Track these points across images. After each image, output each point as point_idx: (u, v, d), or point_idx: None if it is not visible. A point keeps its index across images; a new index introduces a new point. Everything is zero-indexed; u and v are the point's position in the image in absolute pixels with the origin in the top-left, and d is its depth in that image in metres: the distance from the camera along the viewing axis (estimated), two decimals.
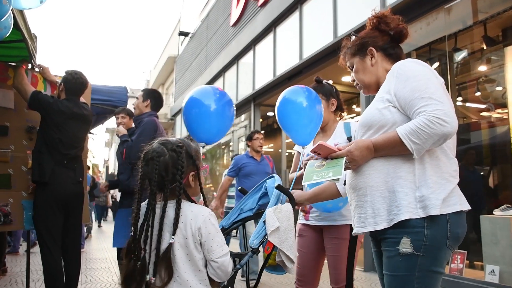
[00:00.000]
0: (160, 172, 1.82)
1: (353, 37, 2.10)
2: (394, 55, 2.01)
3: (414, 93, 1.71)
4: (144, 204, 1.89)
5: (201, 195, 2.07)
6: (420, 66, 1.81)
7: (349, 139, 2.86)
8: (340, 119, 3.10)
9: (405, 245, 1.69)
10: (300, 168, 2.67)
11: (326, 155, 1.87)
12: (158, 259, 1.78)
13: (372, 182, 1.80)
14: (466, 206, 1.77)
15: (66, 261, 3.76)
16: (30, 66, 4.21)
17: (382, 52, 2.00)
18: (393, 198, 1.74)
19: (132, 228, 1.86)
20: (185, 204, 1.85)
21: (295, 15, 8.74)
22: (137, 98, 4.46)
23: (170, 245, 1.78)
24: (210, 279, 1.88)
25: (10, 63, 4.18)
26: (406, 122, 1.74)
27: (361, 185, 1.85)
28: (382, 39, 2.01)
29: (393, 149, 1.74)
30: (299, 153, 3.15)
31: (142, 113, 4.39)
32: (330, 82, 3.11)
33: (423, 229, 1.68)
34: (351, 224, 2.79)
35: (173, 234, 1.79)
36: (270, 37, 9.92)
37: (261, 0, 9.98)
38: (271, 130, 11.97)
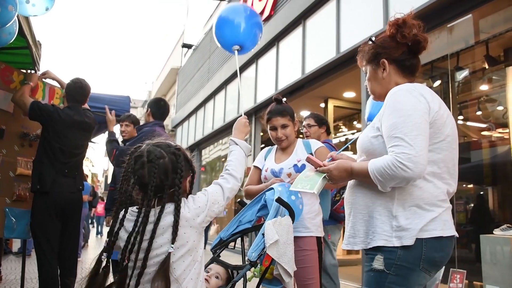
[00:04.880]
0: (160, 175, 1.71)
1: (370, 43, 2.01)
2: (409, 67, 1.95)
3: (391, 130, 1.71)
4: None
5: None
6: (409, 98, 1.75)
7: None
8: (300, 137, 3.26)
9: (378, 262, 1.73)
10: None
11: (316, 166, 1.98)
12: (144, 269, 1.67)
13: (357, 204, 1.85)
14: (449, 232, 1.73)
15: (62, 269, 3.72)
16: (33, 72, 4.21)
17: (395, 65, 1.93)
18: (371, 223, 1.78)
19: (110, 236, 1.73)
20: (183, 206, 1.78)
21: (299, 30, 8.79)
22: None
23: (169, 255, 1.68)
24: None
25: (20, 70, 4.18)
26: None
27: (349, 204, 1.91)
28: (398, 50, 1.93)
29: (366, 179, 1.77)
30: (257, 168, 3.21)
31: (147, 123, 4.24)
32: (285, 99, 3.21)
33: (396, 249, 1.70)
34: (316, 236, 2.86)
35: (172, 243, 1.68)
36: (273, 51, 9.97)
37: (265, 14, 10.04)
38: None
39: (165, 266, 1.66)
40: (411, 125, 1.67)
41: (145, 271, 1.68)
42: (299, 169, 2.93)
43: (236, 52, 3.34)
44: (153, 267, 1.70)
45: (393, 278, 1.69)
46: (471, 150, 6.05)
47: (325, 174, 1.90)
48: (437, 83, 6.28)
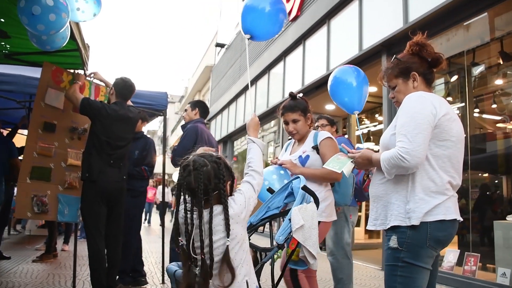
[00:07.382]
0: (204, 180, 1.86)
1: (395, 60, 2.18)
2: (430, 80, 2.16)
3: (400, 128, 1.96)
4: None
5: None
6: (417, 103, 1.96)
7: (314, 147, 2.98)
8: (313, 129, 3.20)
9: (393, 242, 1.97)
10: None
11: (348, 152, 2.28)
12: (212, 262, 1.82)
13: (379, 193, 2.09)
14: (451, 216, 1.94)
15: (108, 249, 3.87)
16: (82, 72, 4.32)
17: (422, 77, 2.13)
18: (389, 207, 2.02)
19: (184, 237, 1.88)
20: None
21: (323, 29, 8.72)
22: (185, 110, 4.70)
23: (227, 247, 1.85)
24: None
25: (68, 70, 4.30)
26: None
27: (372, 194, 2.15)
28: (423, 65, 2.13)
29: (380, 166, 2.01)
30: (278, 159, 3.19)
31: (190, 121, 4.58)
32: (301, 95, 3.16)
33: (406, 230, 1.94)
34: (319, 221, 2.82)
35: (228, 237, 1.85)
36: (299, 49, 9.92)
37: (292, 15, 9.99)
38: None
39: (227, 257, 1.84)
40: (414, 124, 1.91)
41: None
42: (302, 160, 2.95)
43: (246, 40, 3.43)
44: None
45: (405, 253, 1.93)
46: (486, 141, 5.91)
47: (353, 159, 2.19)
48: (454, 78, 6.15)
